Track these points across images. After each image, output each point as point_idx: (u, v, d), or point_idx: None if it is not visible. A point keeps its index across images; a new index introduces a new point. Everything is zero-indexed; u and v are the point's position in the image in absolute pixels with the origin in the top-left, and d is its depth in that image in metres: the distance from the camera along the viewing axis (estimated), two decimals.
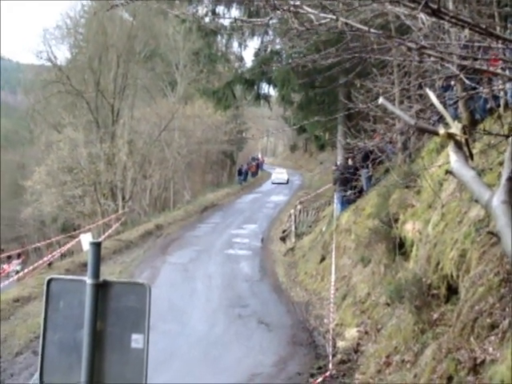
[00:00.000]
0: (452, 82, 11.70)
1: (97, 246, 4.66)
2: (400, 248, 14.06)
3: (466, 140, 3.41)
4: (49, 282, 4.70)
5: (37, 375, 4.77)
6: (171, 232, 34.53)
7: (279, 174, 63.92)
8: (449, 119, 3.54)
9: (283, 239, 31.69)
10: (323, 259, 22.90)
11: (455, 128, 3.44)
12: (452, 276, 9.14)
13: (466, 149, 3.43)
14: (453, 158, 3.35)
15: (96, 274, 4.61)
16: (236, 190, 53.70)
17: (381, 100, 4.09)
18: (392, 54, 9.17)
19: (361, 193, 22.37)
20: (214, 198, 46.83)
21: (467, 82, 7.48)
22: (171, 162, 47.16)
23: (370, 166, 15.62)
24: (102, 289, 4.62)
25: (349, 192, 22.44)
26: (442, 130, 3.48)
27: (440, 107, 3.77)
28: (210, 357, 15.31)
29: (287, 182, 60.54)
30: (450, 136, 3.45)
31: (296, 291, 21.92)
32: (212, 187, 56.17)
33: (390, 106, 4.10)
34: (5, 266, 37.24)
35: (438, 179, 12.14)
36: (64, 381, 4.67)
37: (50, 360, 4.67)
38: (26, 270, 28.86)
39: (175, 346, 15.94)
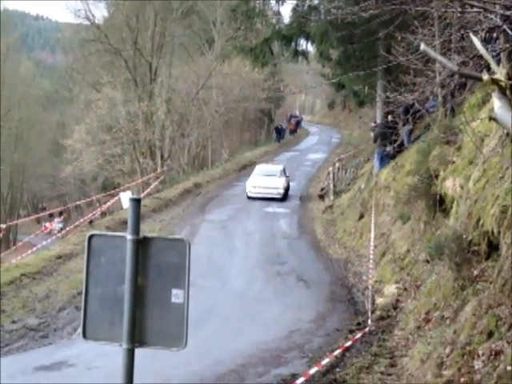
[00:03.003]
0: (495, 34, 11.37)
1: (137, 202, 4.67)
2: (440, 205, 13.89)
3: (511, 86, 3.29)
4: (90, 238, 4.75)
5: (80, 330, 4.83)
6: (210, 190, 34.67)
7: (266, 182, 31.35)
8: (493, 65, 3.43)
9: (321, 197, 31.62)
10: (362, 217, 22.81)
11: (500, 74, 3.32)
12: (493, 232, 8.99)
13: (510, 95, 3.31)
14: (496, 104, 3.25)
15: (136, 230, 4.63)
16: (274, 148, 53.51)
17: (422, 46, 3.97)
18: (433, 5, 8.93)
19: (400, 149, 22.12)
20: (251, 157, 46.76)
21: (511, 33, 7.25)
22: (209, 121, 47.11)
23: (410, 120, 15.39)
24: (142, 245, 4.65)
25: (388, 148, 22.21)
26: (485, 76, 3.37)
27: (484, 52, 3.65)
28: (249, 313, 15.45)
29: (282, 197, 31.34)
30: (494, 82, 3.33)
31: (334, 248, 21.92)
32: (250, 146, 56.05)
33: (431, 53, 3.98)
34: (47, 224, 38.00)
35: (480, 134, 11.89)
36: (106, 335, 4.74)
37: (93, 315, 4.74)
38: (67, 228, 29.34)
39: (215, 303, 16.10)
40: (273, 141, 58.06)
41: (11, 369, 12.32)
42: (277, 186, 31.03)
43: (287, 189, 31.99)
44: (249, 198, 30.72)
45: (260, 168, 33.60)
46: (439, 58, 4.07)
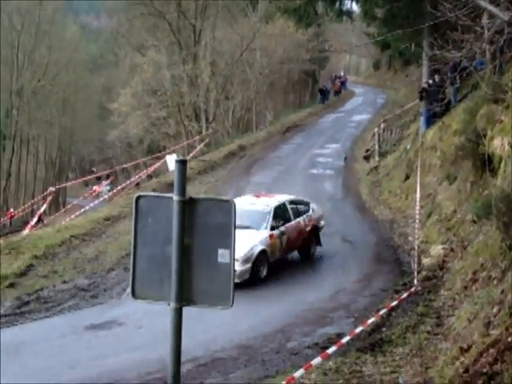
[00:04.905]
0: None
1: (183, 163, 4.72)
2: (487, 164, 13.69)
3: None
4: (137, 199, 4.82)
5: (129, 290, 4.93)
6: (254, 153, 34.66)
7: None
8: None
9: (367, 158, 31.38)
10: (407, 177, 22.61)
11: None
12: None
13: None
14: None
15: (182, 191, 4.68)
16: (318, 109, 53.05)
17: None
18: None
19: (447, 108, 21.77)
20: (296, 119, 46.48)
21: None
22: (253, 83, 46.91)
23: (457, 78, 15.11)
24: (188, 205, 4.70)
25: (435, 108, 21.87)
26: None
27: None
28: (294, 273, 15.55)
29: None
30: None
31: (380, 209, 21.82)
32: (294, 107, 55.70)
33: (481, 3, 3.90)
34: (95, 187, 38.53)
35: None
36: (154, 294, 4.83)
37: (141, 275, 4.84)
38: (114, 191, 29.74)
39: None
40: (317, 102, 57.56)
41: (63, 327, 12.68)
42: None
43: (316, 236, 17.31)
44: None
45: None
46: (489, 7, 3.99)
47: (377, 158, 29.85)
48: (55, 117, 57.00)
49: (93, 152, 70.48)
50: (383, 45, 37.06)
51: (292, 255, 17.04)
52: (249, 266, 14.60)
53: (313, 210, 17.47)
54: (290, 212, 16.58)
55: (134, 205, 4.78)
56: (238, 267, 13.74)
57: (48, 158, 61.83)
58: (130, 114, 42.21)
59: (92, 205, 26.23)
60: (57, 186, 37.11)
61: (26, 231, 22.45)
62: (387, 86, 59.95)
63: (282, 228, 15.97)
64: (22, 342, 11.98)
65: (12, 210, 41.77)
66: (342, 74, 69.85)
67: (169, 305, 4.73)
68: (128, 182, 30.57)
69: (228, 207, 4.72)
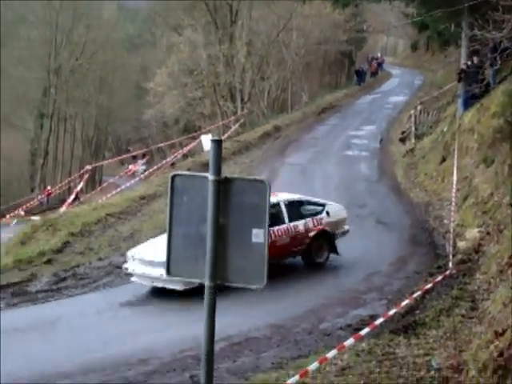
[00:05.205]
0: None
1: (218, 143, 4.75)
2: None
3: None
4: (173, 178, 4.86)
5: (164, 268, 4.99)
6: (289, 133, 34.59)
7: None
8: None
9: (402, 140, 31.09)
10: (444, 160, 22.36)
11: None
12: None
13: None
14: None
15: (218, 170, 4.71)
16: (354, 90, 52.61)
17: None
18: None
19: (486, 90, 21.43)
20: (331, 100, 46.19)
21: None
22: (289, 63, 46.72)
23: (497, 59, 14.88)
24: (223, 185, 4.74)
25: (474, 90, 21.54)
26: None
27: None
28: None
29: None
30: None
31: (415, 192, 21.65)
32: (330, 88, 55.36)
33: None
34: (131, 166, 38.91)
35: None
36: (189, 272, 4.88)
37: (176, 253, 4.89)
38: (150, 170, 29.97)
39: None
40: (353, 83, 57.11)
41: (99, 304, 12.87)
42: None
43: (328, 243, 15.26)
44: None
45: None
46: None
47: (413, 140, 29.56)
48: (92, 95, 57.44)
49: (129, 131, 70.89)
50: (421, 25, 36.55)
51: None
52: None
53: (327, 213, 15.16)
54: (285, 214, 14.37)
55: (169, 183, 4.83)
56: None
57: (85, 136, 62.41)
58: (166, 93, 42.41)
59: (128, 184, 26.48)
60: (93, 165, 37.45)
61: (63, 209, 22.83)
62: (425, 67, 59.21)
63: None
64: (59, 318, 12.21)
65: (49, 187, 42.54)
66: (379, 55, 69.08)
67: (203, 283, 4.79)
68: (163, 161, 30.79)
69: (262, 187, 4.74)
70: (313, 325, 11.41)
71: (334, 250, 15.00)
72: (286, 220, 14.31)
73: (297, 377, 7.84)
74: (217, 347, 5.12)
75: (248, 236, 4.75)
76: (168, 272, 4.95)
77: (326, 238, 14.98)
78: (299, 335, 10.89)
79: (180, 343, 10.46)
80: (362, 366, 8.65)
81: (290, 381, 7.78)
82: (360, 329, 10.23)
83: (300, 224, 14.55)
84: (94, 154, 63.24)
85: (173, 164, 29.22)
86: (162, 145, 45.51)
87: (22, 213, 26.30)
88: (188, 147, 32.21)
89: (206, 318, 4.75)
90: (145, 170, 34.28)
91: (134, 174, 33.28)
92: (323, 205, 15.33)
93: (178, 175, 4.91)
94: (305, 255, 14.79)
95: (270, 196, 4.71)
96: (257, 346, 10.47)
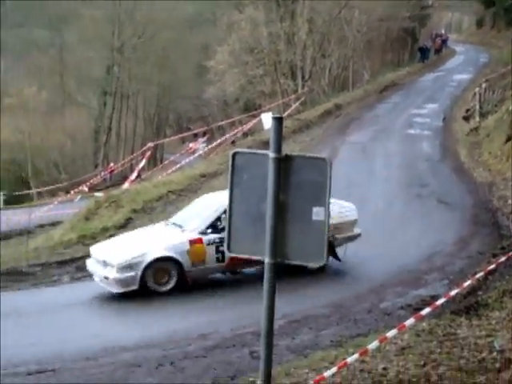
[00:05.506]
0: None
1: (279, 120, 4.75)
2: None
3: None
4: (234, 155, 4.89)
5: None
6: (350, 112, 34.30)
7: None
8: None
9: (466, 119, 30.51)
10: (509, 139, 21.85)
11: None
12: None
13: None
14: None
15: (278, 148, 4.71)
16: (417, 68, 51.75)
17: None
18: None
19: None
20: (393, 77, 45.55)
21: None
22: (350, 41, 46.14)
23: None
24: (284, 163, 4.74)
25: None
26: None
27: None
28: (388, 233, 15.39)
29: None
30: None
31: (479, 171, 21.26)
32: (392, 66, 54.50)
33: None
34: (191, 144, 39.21)
35: None
36: (250, 249, 4.92)
37: (237, 230, 4.95)
38: (210, 148, 30.16)
39: None
40: (416, 61, 56.12)
41: None
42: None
43: None
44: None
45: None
46: None
47: (477, 119, 28.98)
48: (154, 73, 57.92)
49: (190, 109, 71.21)
50: (488, 1, 35.67)
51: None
52: (132, 274, 11.71)
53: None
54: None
55: (230, 161, 4.85)
56: (114, 275, 11.71)
57: (147, 114, 63.05)
58: (227, 71, 42.42)
59: (188, 161, 26.69)
60: (155, 142, 37.85)
61: (125, 185, 23.21)
62: (490, 44, 57.77)
63: None
64: None
65: (112, 164, 43.24)
66: (443, 31, 67.63)
67: (263, 260, 4.81)
68: (224, 139, 30.88)
69: (324, 165, 4.73)
70: (372, 304, 11.36)
71: (333, 255, 12.92)
72: None
73: (356, 355, 7.83)
74: (275, 325, 5.15)
75: (308, 214, 4.76)
76: (228, 249, 5.00)
77: None
78: (359, 314, 10.86)
79: (239, 320, 10.55)
80: (422, 346, 8.57)
81: (349, 359, 7.77)
82: (421, 309, 10.14)
83: None
84: (156, 131, 63.82)
85: (233, 142, 29.27)
86: (223, 123, 45.65)
87: (86, 189, 26.89)
88: (248, 125, 32.24)
89: (266, 295, 4.78)
90: (205, 148, 34.49)
91: (194, 152, 33.47)
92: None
93: (239, 153, 4.94)
94: None
95: (331, 174, 4.69)
96: (315, 324, 10.48)
